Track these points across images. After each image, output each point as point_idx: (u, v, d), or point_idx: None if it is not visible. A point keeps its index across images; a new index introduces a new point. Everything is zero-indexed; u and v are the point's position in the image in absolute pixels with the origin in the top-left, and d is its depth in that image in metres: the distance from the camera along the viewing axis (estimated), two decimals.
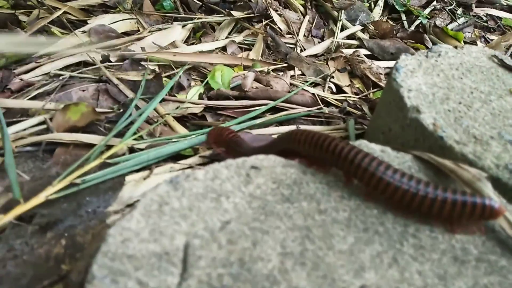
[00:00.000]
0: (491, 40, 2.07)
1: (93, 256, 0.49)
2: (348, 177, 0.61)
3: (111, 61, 1.28)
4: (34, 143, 0.88)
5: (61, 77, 1.13)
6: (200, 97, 1.21)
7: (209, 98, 1.22)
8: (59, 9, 1.46)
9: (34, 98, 1.05)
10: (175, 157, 0.89)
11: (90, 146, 0.90)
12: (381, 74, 1.54)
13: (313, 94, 1.30)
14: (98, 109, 1.01)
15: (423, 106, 0.78)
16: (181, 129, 1.03)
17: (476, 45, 1.94)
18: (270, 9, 1.77)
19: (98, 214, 0.71)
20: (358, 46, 1.73)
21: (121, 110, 1.04)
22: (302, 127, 1.07)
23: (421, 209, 0.56)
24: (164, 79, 1.24)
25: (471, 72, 0.93)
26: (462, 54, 1.00)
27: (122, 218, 0.53)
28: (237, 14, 1.65)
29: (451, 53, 0.98)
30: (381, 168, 0.57)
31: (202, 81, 1.31)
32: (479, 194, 0.56)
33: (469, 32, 2.08)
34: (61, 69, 1.19)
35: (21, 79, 1.10)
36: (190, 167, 0.86)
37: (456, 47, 1.02)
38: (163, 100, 1.13)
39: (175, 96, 1.19)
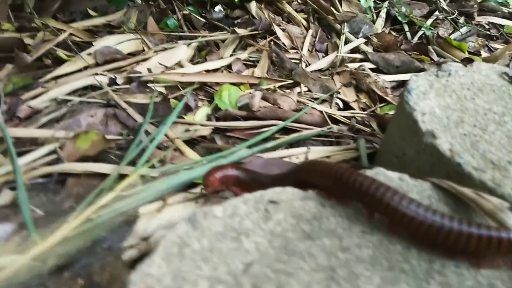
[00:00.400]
0: (495, 49, 2.07)
1: None
2: (370, 211, 0.60)
3: (118, 84, 1.28)
4: (46, 174, 0.87)
5: (69, 103, 1.13)
6: (208, 118, 1.21)
7: (217, 119, 1.21)
8: (64, 31, 1.46)
9: (43, 125, 1.04)
10: (187, 186, 0.88)
11: (102, 175, 0.89)
12: (387, 88, 1.54)
13: (321, 111, 1.29)
14: (108, 136, 1.00)
15: (438, 131, 0.77)
16: (191, 154, 1.02)
17: (480, 54, 1.94)
18: (274, 24, 1.77)
19: (113, 250, 0.70)
20: (362, 60, 1.73)
21: (131, 136, 1.03)
22: (313, 148, 1.07)
23: (446, 244, 0.55)
24: (171, 100, 1.24)
25: (483, 92, 0.92)
26: (472, 72, 0.99)
27: (142, 262, 0.52)
28: (241, 31, 1.65)
29: (461, 72, 0.98)
30: (404, 203, 0.57)
31: (209, 101, 1.30)
32: (504, 229, 0.55)
33: (472, 42, 2.08)
34: (68, 94, 1.19)
35: (29, 106, 1.09)
36: (204, 195, 0.85)
37: (465, 65, 1.02)
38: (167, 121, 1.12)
39: (183, 118, 1.18)
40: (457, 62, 1.78)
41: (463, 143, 0.76)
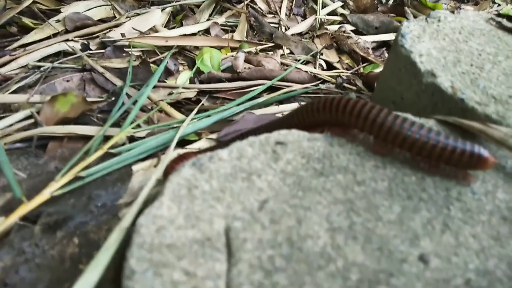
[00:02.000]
0: (467, 10, 2.09)
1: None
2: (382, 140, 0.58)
3: (91, 50, 1.20)
4: (24, 139, 0.80)
5: (41, 69, 1.05)
6: (191, 82, 1.16)
7: (201, 82, 1.16)
8: None
9: (14, 92, 0.96)
10: (180, 143, 0.84)
11: (86, 138, 0.83)
12: (368, 48, 1.52)
13: (306, 72, 1.26)
14: (88, 99, 0.94)
15: (437, 70, 0.75)
16: (177, 115, 0.98)
17: None
18: None
19: (108, 208, 0.65)
20: (341, 22, 1.70)
21: (113, 99, 0.97)
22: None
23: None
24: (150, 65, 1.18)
25: (474, 35, 0.91)
26: (461, 18, 0.98)
27: (150, 206, 0.48)
28: None
29: (450, 18, 0.97)
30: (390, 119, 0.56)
31: (189, 65, 1.25)
32: (470, 143, 0.54)
33: (445, 4, 2.09)
34: (39, 61, 1.11)
35: None
36: (199, 151, 0.81)
37: (453, 11, 1.01)
38: (154, 86, 1.06)
39: (164, 81, 1.13)
40: None
41: (462, 80, 0.74)
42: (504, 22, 1.00)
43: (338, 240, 0.46)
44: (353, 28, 1.65)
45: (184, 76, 1.17)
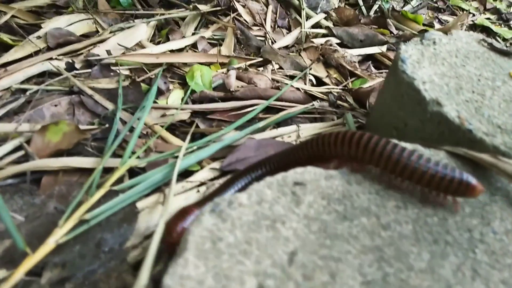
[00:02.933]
0: (445, 21, 2.14)
1: None
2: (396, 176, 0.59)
3: (77, 69, 1.15)
4: (16, 174, 0.75)
5: (27, 92, 0.99)
6: (184, 102, 1.13)
7: (193, 102, 1.13)
8: (5, 13, 1.29)
9: (0, 119, 0.91)
10: (182, 174, 0.81)
11: (82, 170, 0.79)
12: (355, 62, 1.53)
13: (297, 88, 1.25)
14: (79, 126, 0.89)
15: (442, 99, 0.76)
16: (175, 140, 0.95)
17: (434, 26, 1.99)
18: (234, 0, 1.69)
19: (116, 253, 0.62)
20: (325, 35, 1.71)
21: (106, 125, 0.93)
22: (302, 126, 1.03)
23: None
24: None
25: (470, 59, 0.93)
26: (454, 40, 1.00)
27: (174, 263, 0.45)
28: (202, 8, 1.56)
29: (444, 40, 0.98)
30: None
31: (179, 83, 1.22)
32: (459, 170, 0.56)
33: (423, 14, 2.14)
34: (22, 82, 1.05)
35: None
36: (203, 183, 0.78)
37: (446, 32, 1.02)
38: (144, 107, 1.03)
39: (156, 102, 1.09)
40: (416, 33, 1.82)
41: (467, 109, 0.75)
42: (495, 43, 1.02)
43: None
44: (338, 41, 1.65)
45: (175, 95, 1.14)
